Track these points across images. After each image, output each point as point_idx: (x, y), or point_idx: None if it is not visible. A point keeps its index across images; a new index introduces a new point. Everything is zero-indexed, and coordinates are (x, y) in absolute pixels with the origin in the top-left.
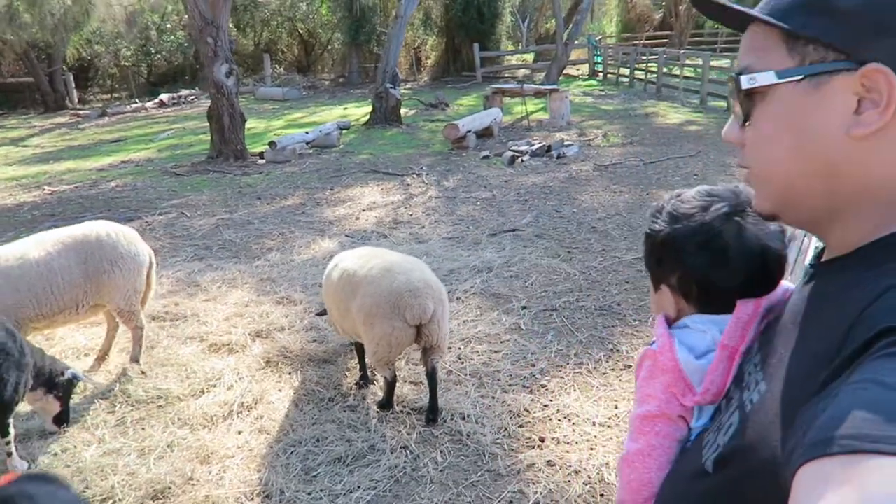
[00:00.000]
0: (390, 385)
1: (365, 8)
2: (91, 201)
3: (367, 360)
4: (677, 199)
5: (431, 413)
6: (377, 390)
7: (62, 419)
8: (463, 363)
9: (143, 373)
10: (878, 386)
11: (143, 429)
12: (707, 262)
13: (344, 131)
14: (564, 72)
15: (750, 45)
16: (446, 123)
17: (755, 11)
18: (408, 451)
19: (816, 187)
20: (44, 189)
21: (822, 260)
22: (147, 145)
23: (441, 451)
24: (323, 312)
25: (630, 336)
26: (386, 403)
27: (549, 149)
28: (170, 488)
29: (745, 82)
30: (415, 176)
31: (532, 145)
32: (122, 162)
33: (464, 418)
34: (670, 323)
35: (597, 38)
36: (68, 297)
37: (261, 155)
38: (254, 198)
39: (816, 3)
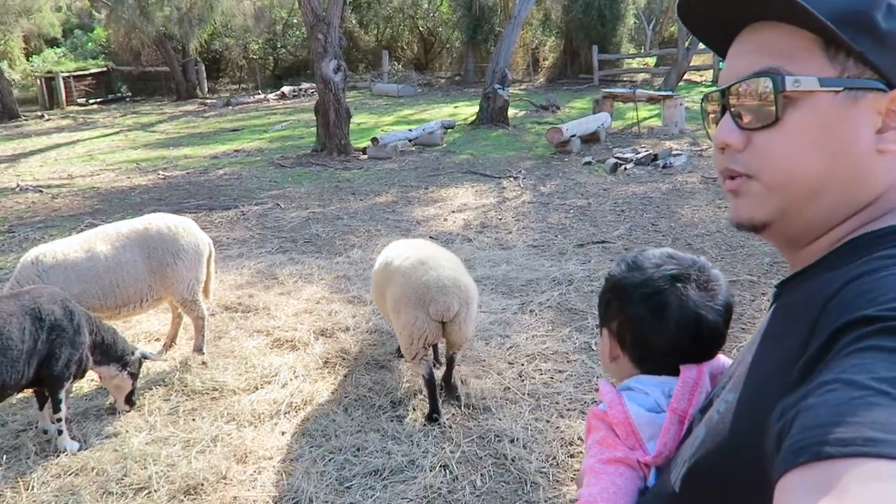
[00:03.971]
0: (429, 385)
1: (484, 7)
2: (197, 188)
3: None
4: (644, 252)
5: (446, 385)
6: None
7: (132, 400)
8: (523, 380)
9: (203, 363)
10: (846, 386)
11: (193, 419)
12: (644, 314)
13: (448, 130)
14: (686, 77)
15: (768, 46)
16: (550, 127)
17: (816, 15)
18: (447, 471)
19: (835, 196)
20: (158, 174)
21: (785, 279)
22: (261, 135)
23: (482, 475)
24: None
25: None
26: (431, 411)
27: (655, 157)
28: (202, 485)
29: (790, 83)
30: (511, 179)
31: (638, 153)
32: (235, 151)
33: (512, 441)
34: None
35: None
36: (133, 290)
37: (363, 150)
38: (348, 193)
39: (861, 21)
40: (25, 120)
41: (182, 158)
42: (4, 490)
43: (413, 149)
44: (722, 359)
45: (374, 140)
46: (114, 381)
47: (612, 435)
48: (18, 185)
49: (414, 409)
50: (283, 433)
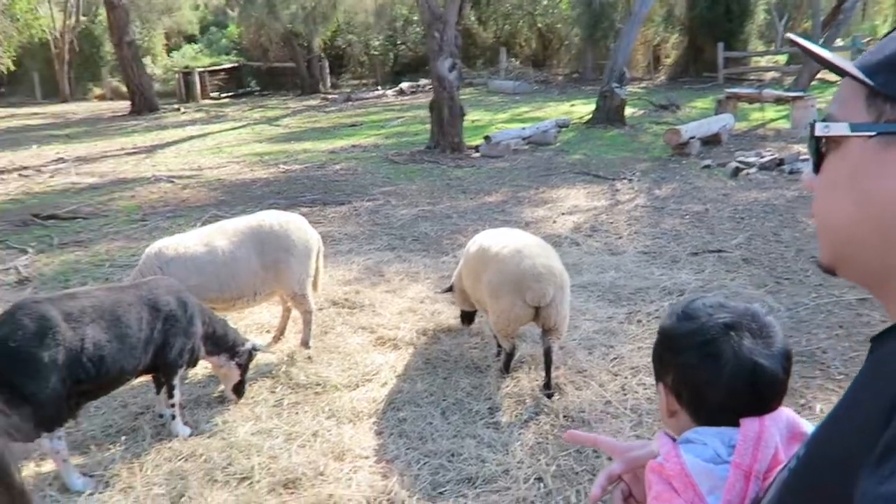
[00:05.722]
0: (509, 355)
1: (605, 3)
2: (313, 182)
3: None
4: (693, 301)
5: (546, 388)
6: (527, 413)
7: (240, 390)
8: (626, 394)
9: (309, 358)
10: None
11: (296, 413)
12: (697, 363)
13: (563, 129)
14: (819, 76)
15: (838, 94)
16: (668, 128)
17: (846, 65)
18: (542, 485)
19: (873, 243)
20: (279, 167)
21: (878, 334)
22: (378, 131)
23: (577, 491)
24: (448, 290)
25: (829, 392)
26: (503, 368)
27: (781, 162)
28: (300, 479)
29: (820, 129)
30: (625, 181)
31: (762, 157)
32: (353, 146)
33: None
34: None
35: (864, 41)
36: (247, 284)
37: (476, 148)
38: (459, 191)
39: None
40: (164, 113)
41: (302, 153)
42: (122, 470)
43: (526, 147)
44: (788, 414)
45: (487, 138)
46: (223, 371)
47: (668, 489)
48: (154, 175)
49: (512, 417)
50: (380, 433)
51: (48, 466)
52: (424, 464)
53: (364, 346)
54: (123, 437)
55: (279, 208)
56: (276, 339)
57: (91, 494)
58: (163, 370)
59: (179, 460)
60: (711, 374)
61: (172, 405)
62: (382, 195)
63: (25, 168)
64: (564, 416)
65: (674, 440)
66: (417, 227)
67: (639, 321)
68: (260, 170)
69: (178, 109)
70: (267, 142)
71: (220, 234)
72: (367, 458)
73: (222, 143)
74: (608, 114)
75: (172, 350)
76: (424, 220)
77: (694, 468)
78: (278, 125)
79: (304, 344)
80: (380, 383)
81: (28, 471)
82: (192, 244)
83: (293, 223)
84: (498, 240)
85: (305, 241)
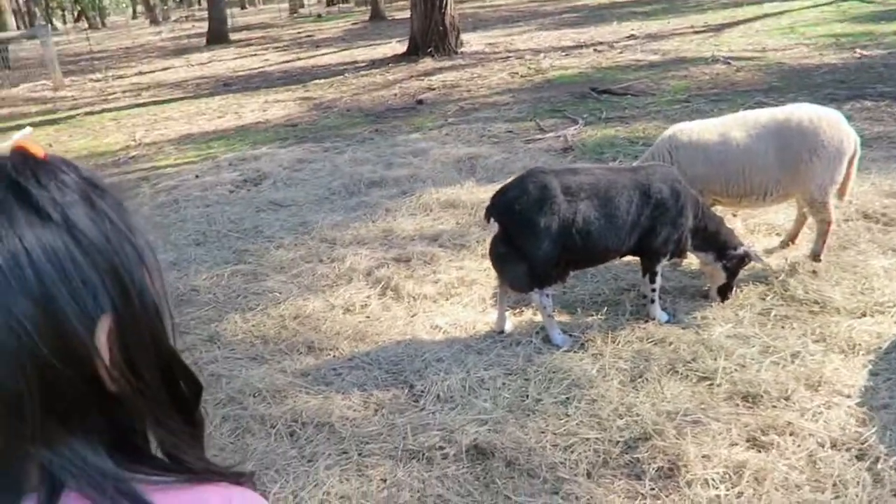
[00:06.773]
0: None
1: None
2: (891, 71)
3: None
4: None
5: None
6: None
7: (725, 293)
8: None
9: (814, 272)
10: None
11: (781, 327)
12: None
13: None
14: None
15: None
16: None
17: None
18: None
19: None
20: (854, 52)
21: None
22: None
23: None
24: None
25: None
26: None
27: None
28: (761, 396)
29: None
30: None
31: None
32: None
33: None
34: None
35: None
36: (758, 181)
37: None
38: None
39: None
40: None
41: (891, 35)
42: (596, 337)
43: None
44: None
45: None
46: (709, 269)
47: None
48: (713, 56)
49: None
50: (875, 374)
51: (538, 318)
52: None
53: (889, 271)
54: (605, 308)
55: (837, 100)
56: (785, 245)
57: (566, 351)
58: (646, 255)
59: (649, 342)
60: None
61: (653, 290)
62: None
63: (601, 43)
64: None
65: None
66: None
67: None
68: (830, 54)
69: None
70: (850, 21)
71: (739, 125)
72: (847, 396)
73: (798, 21)
74: None
75: (658, 237)
76: None
77: None
78: (871, 1)
79: (815, 256)
80: (894, 317)
81: (524, 316)
82: (707, 132)
83: (827, 120)
84: None
85: (838, 142)
